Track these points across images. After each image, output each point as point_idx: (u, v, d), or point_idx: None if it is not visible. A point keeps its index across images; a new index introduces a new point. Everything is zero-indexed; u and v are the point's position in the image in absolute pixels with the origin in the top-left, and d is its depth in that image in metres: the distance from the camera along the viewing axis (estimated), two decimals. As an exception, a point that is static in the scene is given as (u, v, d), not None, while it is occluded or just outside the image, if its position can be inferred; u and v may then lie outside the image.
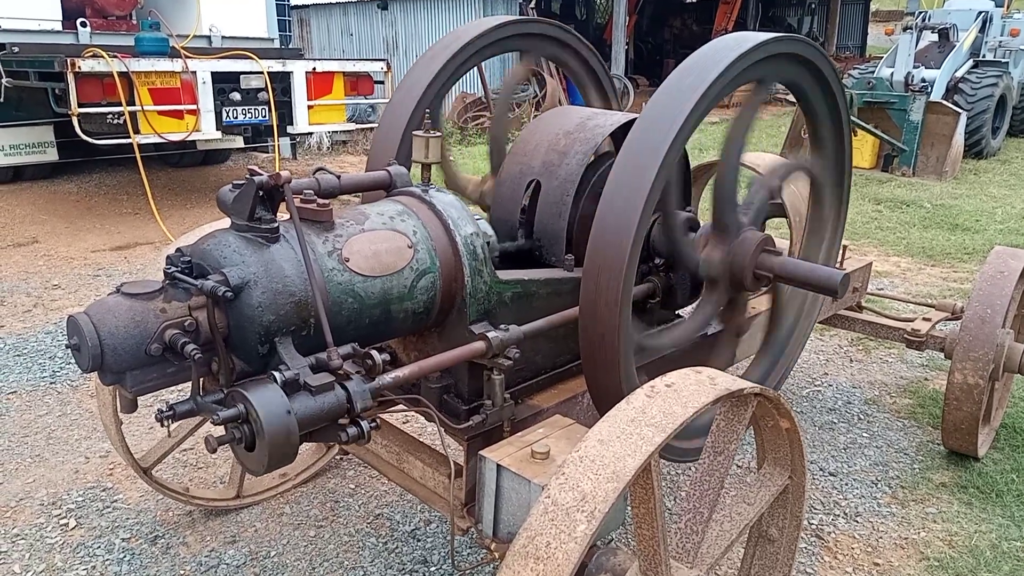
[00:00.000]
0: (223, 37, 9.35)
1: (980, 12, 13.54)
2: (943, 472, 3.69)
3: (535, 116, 3.11)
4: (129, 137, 7.07)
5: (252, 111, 7.98)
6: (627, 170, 2.09)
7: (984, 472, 3.64)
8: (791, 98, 3.20)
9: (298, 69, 8.12)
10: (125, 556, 3.02)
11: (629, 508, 1.81)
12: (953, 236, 7.99)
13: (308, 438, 1.84)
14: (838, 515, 3.35)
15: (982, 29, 13.53)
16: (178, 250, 1.97)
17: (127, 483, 3.47)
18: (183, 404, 1.87)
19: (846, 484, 3.57)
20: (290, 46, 11.40)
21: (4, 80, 7.60)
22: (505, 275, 2.33)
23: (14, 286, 6.09)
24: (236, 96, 7.81)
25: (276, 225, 1.95)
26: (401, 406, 2.26)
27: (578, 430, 2.15)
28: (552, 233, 2.58)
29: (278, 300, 1.88)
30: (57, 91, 7.32)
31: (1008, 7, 14.68)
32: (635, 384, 2.17)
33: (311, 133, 10.69)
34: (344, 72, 8.56)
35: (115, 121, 7.32)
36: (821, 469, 3.69)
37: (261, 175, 1.92)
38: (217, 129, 7.66)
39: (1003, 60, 13.44)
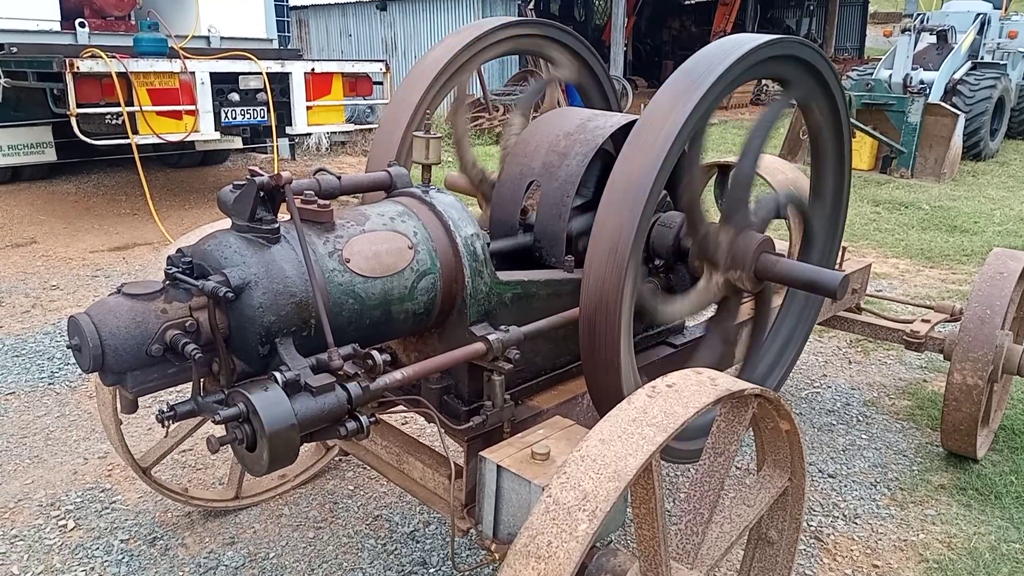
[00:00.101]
0: (222, 38, 9.35)
1: (978, 14, 13.57)
2: (942, 474, 3.69)
3: (535, 117, 3.10)
4: (128, 138, 7.07)
5: (251, 112, 7.98)
6: (627, 171, 2.10)
7: (983, 474, 3.64)
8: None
9: (297, 70, 8.12)
10: (123, 557, 3.02)
11: (629, 509, 1.81)
12: (952, 238, 8.01)
13: (309, 438, 1.84)
14: (837, 517, 3.35)
15: (980, 31, 13.56)
16: (179, 250, 1.97)
17: (126, 484, 3.47)
18: (184, 404, 1.87)
19: (845, 486, 3.58)
20: (289, 47, 11.42)
21: (3, 80, 7.60)
22: (505, 276, 2.33)
23: (12, 287, 6.09)
24: (235, 97, 7.80)
25: (277, 226, 1.95)
26: (401, 407, 2.26)
27: (578, 431, 2.15)
28: (552, 234, 2.58)
29: (279, 301, 1.88)
30: (55, 91, 7.31)
31: (1006, 9, 14.72)
32: (635, 385, 2.17)
33: (310, 134, 10.69)
34: (343, 73, 8.56)
35: (113, 121, 7.31)
36: (820, 471, 3.69)
37: (262, 176, 1.92)
38: (216, 130, 7.66)
39: (1001, 62, 13.47)
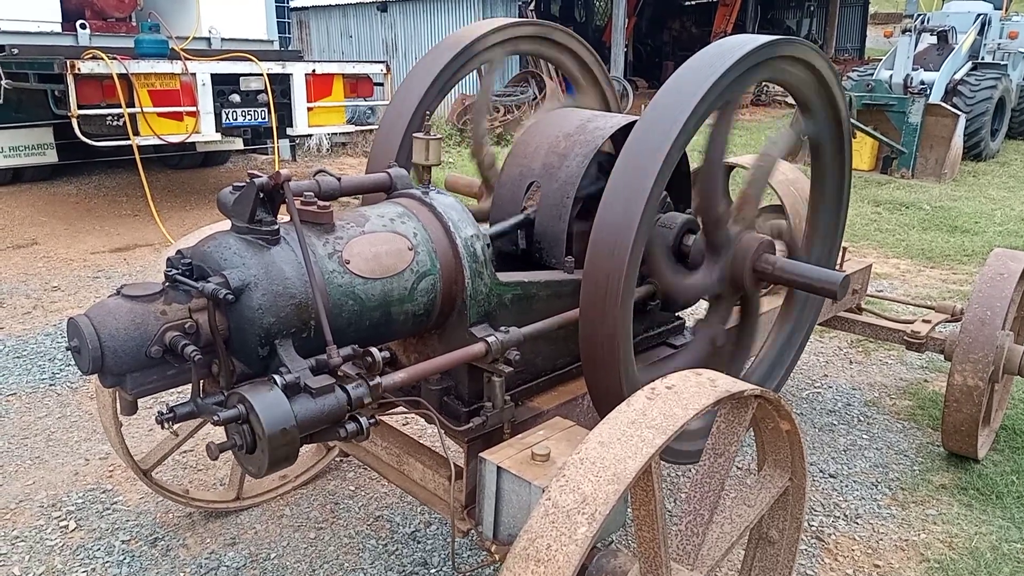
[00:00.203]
0: (223, 39, 9.36)
1: (979, 15, 13.57)
2: (943, 474, 3.69)
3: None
4: (128, 139, 7.07)
5: (251, 113, 7.98)
6: (628, 172, 2.10)
7: (984, 474, 3.64)
8: (790, 100, 3.20)
9: (297, 71, 8.13)
10: (125, 558, 3.02)
11: (629, 510, 1.81)
12: (952, 238, 8.00)
13: (308, 440, 1.84)
14: (838, 517, 3.35)
15: (981, 31, 13.56)
16: (178, 252, 1.97)
17: (127, 485, 3.47)
18: (183, 406, 1.87)
19: (846, 486, 3.57)
20: (289, 48, 11.42)
21: (4, 82, 7.59)
22: (505, 277, 2.33)
23: (13, 288, 6.09)
24: (235, 98, 7.81)
25: (276, 227, 1.95)
26: (401, 408, 2.26)
27: (578, 432, 2.14)
28: (552, 235, 2.58)
29: (278, 302, 1.88)
30: (56, 93, 7.32)
31: (1007, 9, 14.71)
32: (636, 386, 2.17)
33: (310, 135, 10.68)
34: (343, 74, 8.56)
35: (114, 123, 7.32)
36: (821, 471, 3.69)
37: (261, 178, 1.92)
38: (216, 131, 7.66)
39: (1002, 62, 13.46)
